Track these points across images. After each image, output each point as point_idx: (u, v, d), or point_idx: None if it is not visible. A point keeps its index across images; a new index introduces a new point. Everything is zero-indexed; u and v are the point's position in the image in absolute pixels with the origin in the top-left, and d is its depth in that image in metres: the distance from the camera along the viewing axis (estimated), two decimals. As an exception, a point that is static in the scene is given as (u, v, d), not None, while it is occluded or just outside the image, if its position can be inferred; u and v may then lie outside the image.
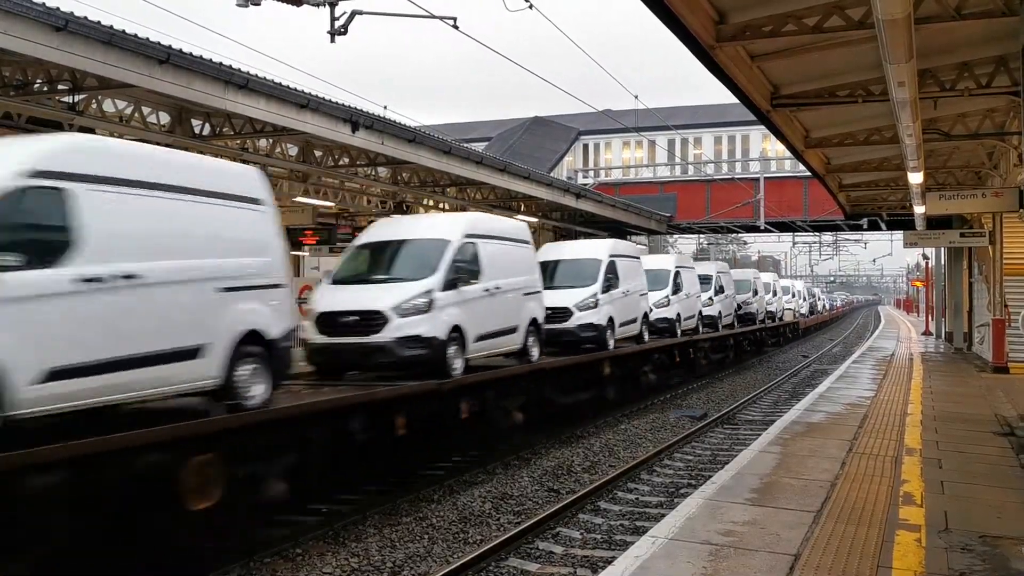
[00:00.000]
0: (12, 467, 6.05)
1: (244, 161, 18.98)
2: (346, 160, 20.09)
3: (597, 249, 17.90)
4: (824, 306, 67.64)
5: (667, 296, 21.94)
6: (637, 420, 16.93)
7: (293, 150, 19.26)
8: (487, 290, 12.39)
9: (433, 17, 13.83)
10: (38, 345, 6.35)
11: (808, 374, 26.93)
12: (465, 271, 11.97)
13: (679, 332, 22.56)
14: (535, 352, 13.98)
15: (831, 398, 14.51)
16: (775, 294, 39.36)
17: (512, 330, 13.22)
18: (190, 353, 7.69)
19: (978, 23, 10.48)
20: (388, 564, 8.04)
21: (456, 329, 11.46)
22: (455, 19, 14.03)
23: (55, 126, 14.91)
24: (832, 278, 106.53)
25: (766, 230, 41.07)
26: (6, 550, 6.21)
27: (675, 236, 52.54)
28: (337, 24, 14.16)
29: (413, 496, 10.44)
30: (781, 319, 40.60)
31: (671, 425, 16.43)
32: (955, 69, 12.66)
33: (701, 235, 53.52)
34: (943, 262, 34.18)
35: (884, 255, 78.09)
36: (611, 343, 16.88)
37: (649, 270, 20.67)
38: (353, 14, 14.32)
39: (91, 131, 15.83)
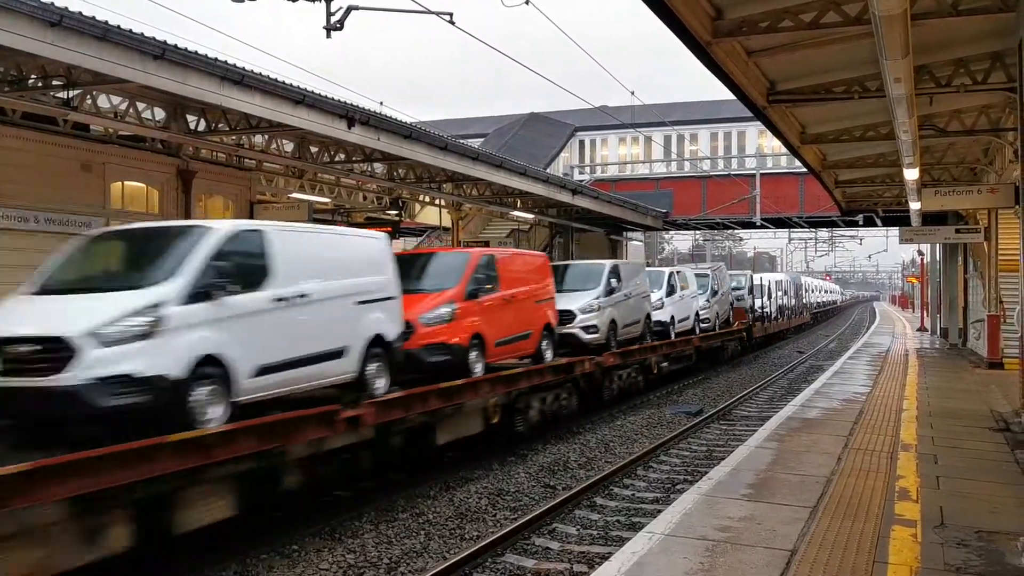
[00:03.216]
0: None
1: (239, 157, 18.98)
2: (342, 156, 20.04)
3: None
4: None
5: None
6: (633, 416, 16.94)
7: (289, 146, 19.21)
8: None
9: (429, 12, 13.77)
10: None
11: (804, 370, 26.97)
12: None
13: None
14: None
15: (827, 394, 14.54)
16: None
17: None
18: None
19: (974, 19, 10.50)
20: (385, 560, 8.04)
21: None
22: (451, 14, 13.98)
23: (49, 122, 14.88)
24: (827, 274, 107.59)
25: (762, 226, 41.06)
26: None
27: (671, 232, 52.59)
28: (333, 19, 14.10)
29: (409, 492, 10.44)
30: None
31: (667, 421, 16.44)
32: (951, 65, 12.66)
33: (697, 231, 53.54)
34: (938, 258, 34.24)
35: (880, 251, 78.51)
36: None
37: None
38: (349, 9, 14.26)
39: (85, 127, 15.82)
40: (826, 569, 5.48)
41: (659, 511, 7.81)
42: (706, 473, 8.87)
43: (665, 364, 21.38)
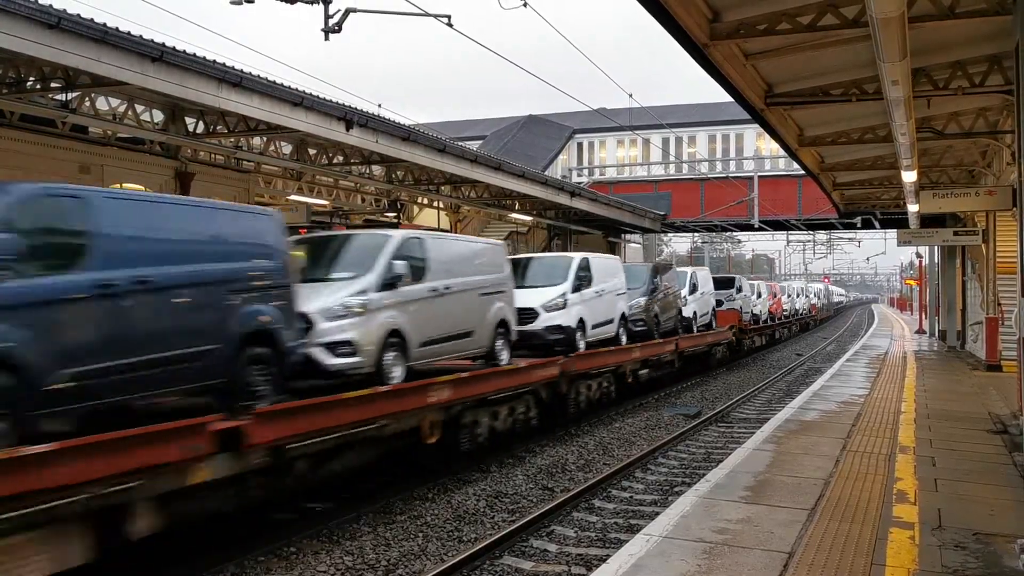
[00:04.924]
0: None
1: (238, 159, 18.98)
2: (340, 158, 20.06)
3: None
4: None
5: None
6: (631, 418, 16.93)
7: (287, 148, 19.23)
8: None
9: (427, 15, 13.81)
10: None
11: (802, 372, 26.97)
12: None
13: None
14: None
15: (825, 396, 14.54)
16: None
17: None
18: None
19: (972, 22, 10.49)
20: (382, 562, 8.03)
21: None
22: (449, 17, 14.01)
23: (48, 124, 14.88)
24: (826, 276, 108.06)
25: (760, 228, 41.09)
26: None
27: (669, 234, 52.61)
28: (331, 22, 14.12)
29: (407, 494, 10.43)
30: None
31: (665, 423, 16.44)
32: (949, 68, 12.68)
33: (695, 233, 53.57)
34: (936, 260, 34.27)
35: (878, 253, 79.07)
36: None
37: None
38: (347, 12, 14.28)
39: (84, 129, 15.83)
40: (824, 571, 5.48)
41: (657, 513, 7.81)
42: (704, 475, 8.87)
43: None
